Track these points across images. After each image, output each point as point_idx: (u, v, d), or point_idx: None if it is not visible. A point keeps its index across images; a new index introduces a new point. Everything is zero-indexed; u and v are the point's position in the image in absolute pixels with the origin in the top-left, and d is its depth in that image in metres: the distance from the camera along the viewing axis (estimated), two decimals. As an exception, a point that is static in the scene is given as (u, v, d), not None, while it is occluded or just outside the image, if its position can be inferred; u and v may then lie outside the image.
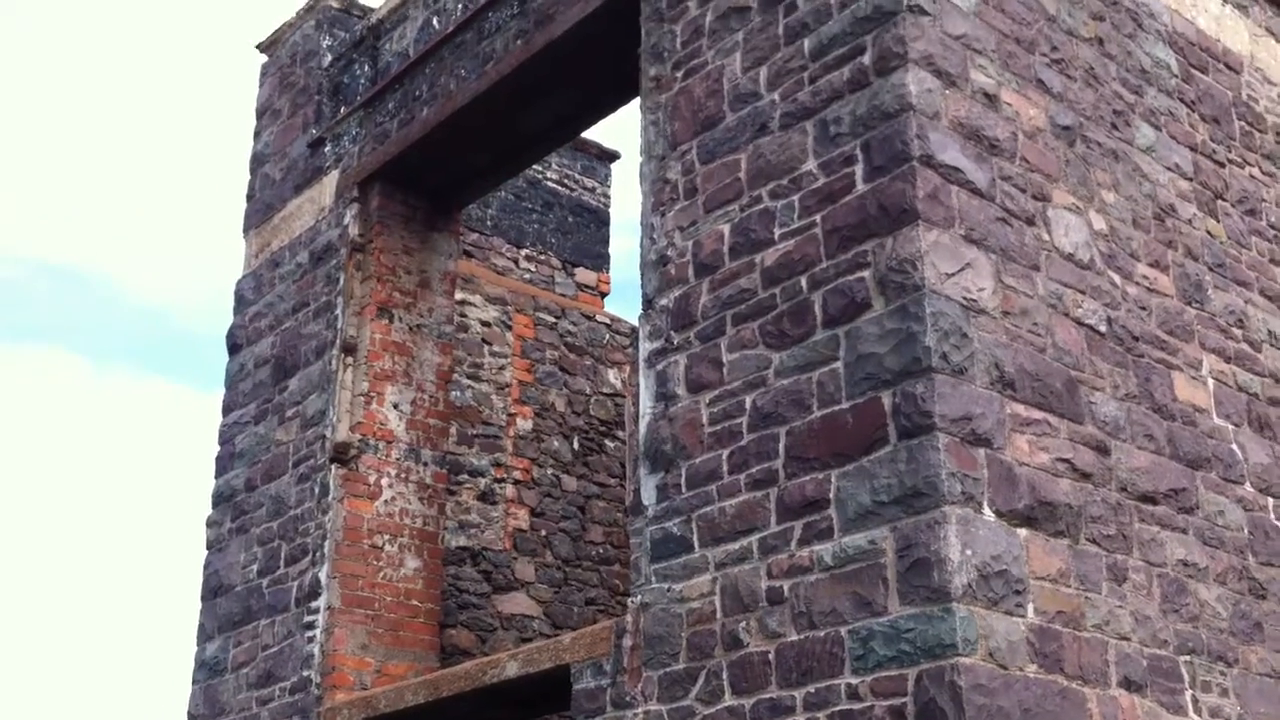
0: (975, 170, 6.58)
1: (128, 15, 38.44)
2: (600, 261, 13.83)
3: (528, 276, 13.02)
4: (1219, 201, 8.21)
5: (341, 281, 10.21)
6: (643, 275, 7.59)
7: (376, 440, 9.88)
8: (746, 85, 7.29)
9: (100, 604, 33.72)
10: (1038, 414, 6.41)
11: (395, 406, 10.05)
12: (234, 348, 11.30)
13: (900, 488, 5.95)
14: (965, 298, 6.25)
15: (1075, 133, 7.31)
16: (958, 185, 6.46)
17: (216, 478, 11.03)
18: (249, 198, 11.85)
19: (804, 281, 6.64)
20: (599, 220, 13.97)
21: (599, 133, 14.62)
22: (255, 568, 10.22)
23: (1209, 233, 8.02)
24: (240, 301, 11.43)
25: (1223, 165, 8.37)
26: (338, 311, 10.13)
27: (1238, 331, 7.91)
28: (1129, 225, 7.44)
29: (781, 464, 6.51)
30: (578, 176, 13.89)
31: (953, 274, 6.24)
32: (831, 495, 6.24)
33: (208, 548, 10.86)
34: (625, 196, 22.95)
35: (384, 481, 9.87)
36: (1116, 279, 7.20)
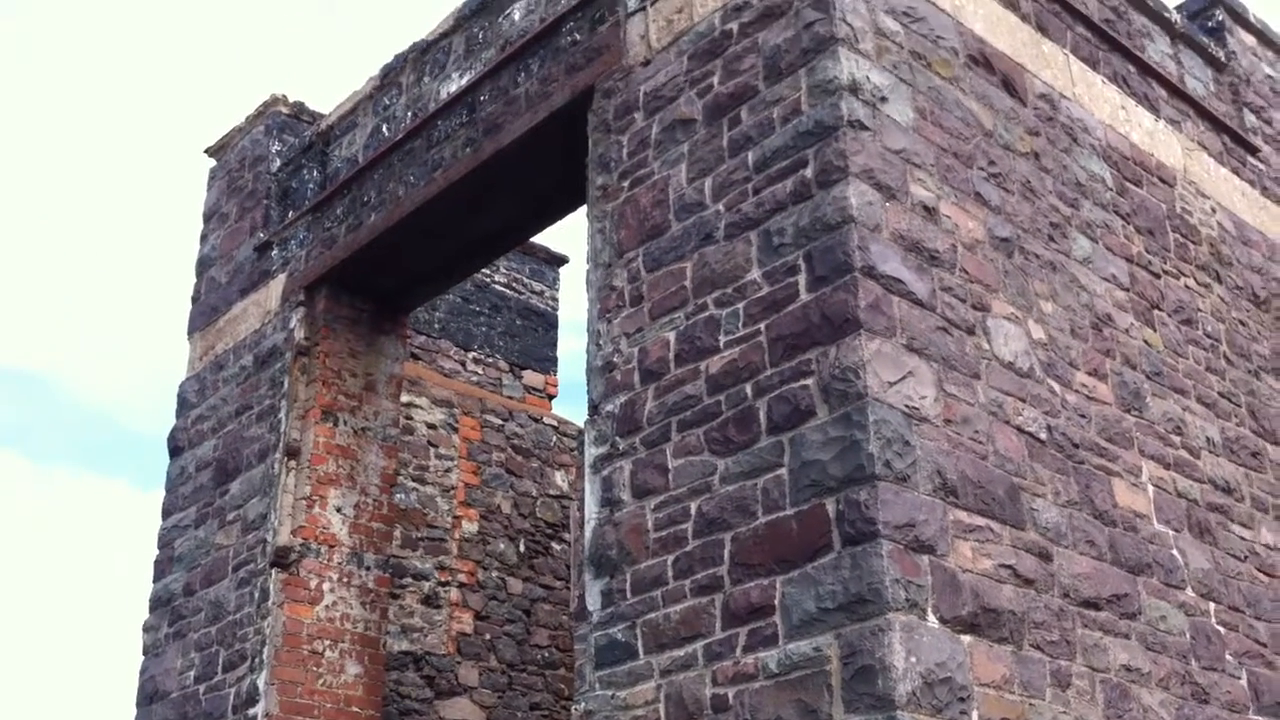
0: (916, 281, 6.70)
1: (74, 113, 38.50)
2: (548, 364, 13.88)
3: (475, 379, 13.03)
4: (1155, 311, 8.39)
5: (286, 385, 10.17)
6: (589, 381, 7.62)
7: (318, 544, 9.79)
8: (692, 195, 7.41)
9: (37, 707, 32.82)
10: (980, 520, 6.46)
11: (338, 510, 9.97)
12: (175, 450, 11.19)
13: (845, 594, 5.96)
14: (907, 406, 6.32)
15: (1014, 244, 7.47)
16: (899, 295, 6.57)
17: (155, 582, 10.86)
18: (194, 300, 11.82)
19: (749, 389, 6.69)
20: (547, 323, 14.04)
21: (548, 236, 14.75)
22: (192, 674, 10.03)
23: (1146, 342, 8.17)
24: (183, 404, 11.35)
25: (1158, 276, 8.56)
26: (281, 415, 10.08)
27: (1176, 438, 8.03)
28: (1067, 334, 7.57)
29: (727, 570, 6.51)
30: (526, 280, 13.98)
31: (895, 382, 6.32)
32: (777, 602, 6.23)
33: (144, 653, 10.66)
34: (574, 298, 23.09)
35: (325, 586, 9.76)
36: (1056, 387, 7.31)
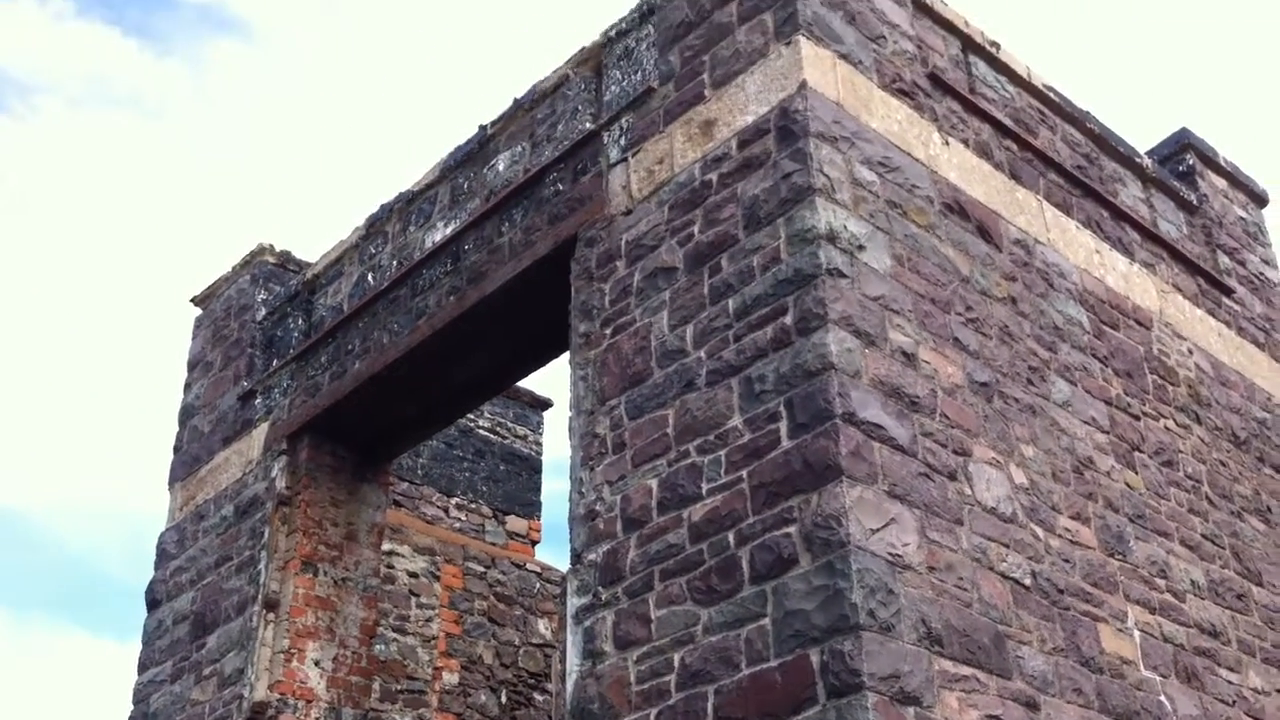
0: (896, 427, 6.72)
1: (64, 260, 38.80)
2: (532, 509, 13.82)
3: (458, 525, 12.94)
4: (1136, 453, 8.40)
5: (266, 535, 10.08)
6: (571, 530, 7.57)
7: (296, 699, 9.60)
8: (674, 342, 7.46)
9: None
10: (966, 670, 6.37)
11: (317, 664, 9.81)
12: (153, 603, 11.04)
13: (831, 749, 5.85)
14: (890, 554, 6.28)
15: (993, 389, 7.51)
16: (880, 442, 6.58)
17: (130, 738, 10.62)
18: (176, 450, 11.78)
19: (731, 537, 6.65)
20: (531, 468, 14.01)
21: (532, 380, 14.79)
22: (167, 837, 9.75)
23: (1128, 484, 8.17)
24: (162, 555, 11.23)
25: (1138, 418, 8.59)
26: (261, 566, 9.96)
27: (1161, 582, 7.98)
28: (1049, 478, 7.57)
29: (711, 724, 6.39)
30: (510, 424, 13.98)
31: (877, 530, 6.29)
32: (762, 756, 6.11)
33: (117, 816, 10.38)
34: (559, 440, 23.04)
35: (303, 742, 9.54)
36: (1039, 532, 7.28)
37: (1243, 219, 11.21)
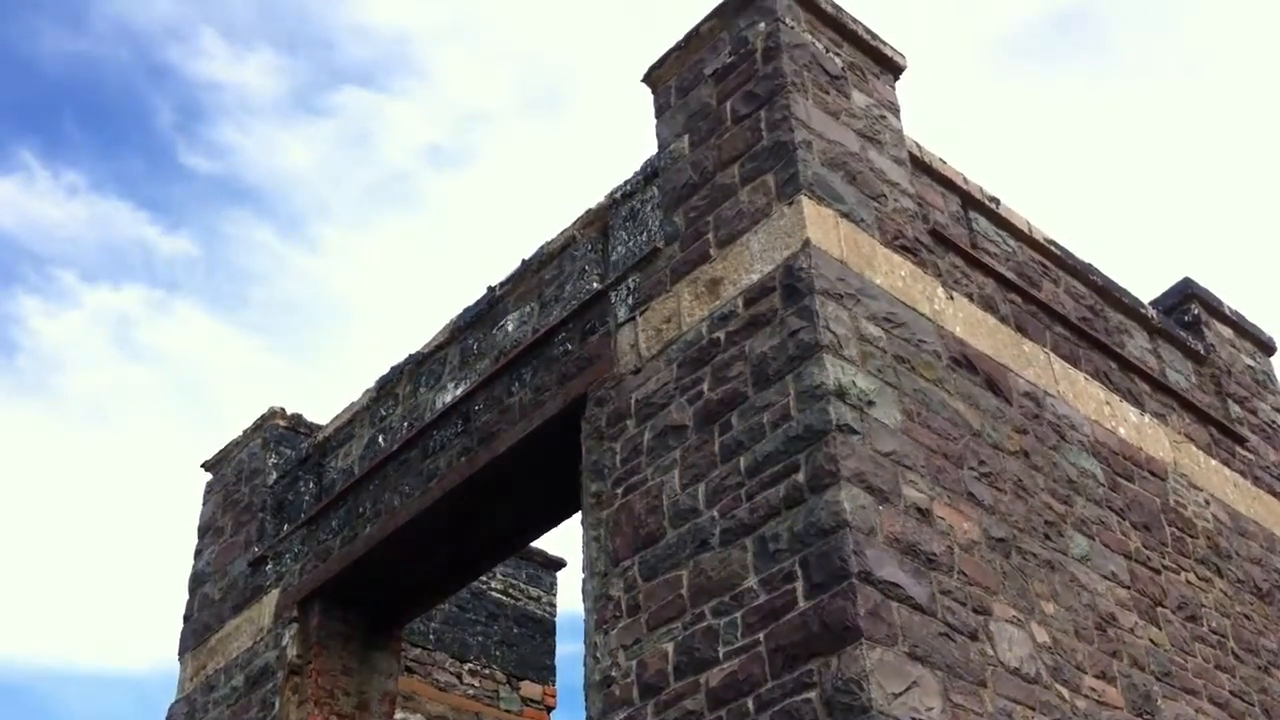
0: (914, 585, 6.63)
1: (68, 421, 38.90)
2: (546, 673, 13.58)
3: (471, 692, 12.72)
4: (1159, 609, 8.27)
5: (277, 706, 9.90)
6: (586, 697, 7.43)
7: None
8: (686, 501, 7.41)
9: None
10: (996, 838, 6.18)
11: (333, 836, 9.56)
12: (163, 776, 10.81)
13: None
14: (914, 718, 6.14)
15: (1010, 544, 7.43)
16: (898, 601, 6.48)
17: None
18: (186, 619, 11.65)
19: (751, 704, 6.52)
20: (544, 630, 13.82)
21: (545, 540, 14.70)
22: None
23: (1152, 641, 8.02)
24: (172, 728, 11.03)
25: (1158, 572, 8.48)
26: (272, 737, 9.78)
27: (1192, 740, 7.79)
28: (1072, 636, 7.44)
29: None
30: (523, 585, 13.84)
31: (900, 694, 6.16)
32: None
33: None
34: (573, 599, 22.77)
35: None
36: (1065, 692, 7.13)
37: (1251, 367, 11.22)
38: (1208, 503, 9.41)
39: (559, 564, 14.31)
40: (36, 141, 39.72)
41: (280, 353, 40.49)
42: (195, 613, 11.57)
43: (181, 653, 11.49)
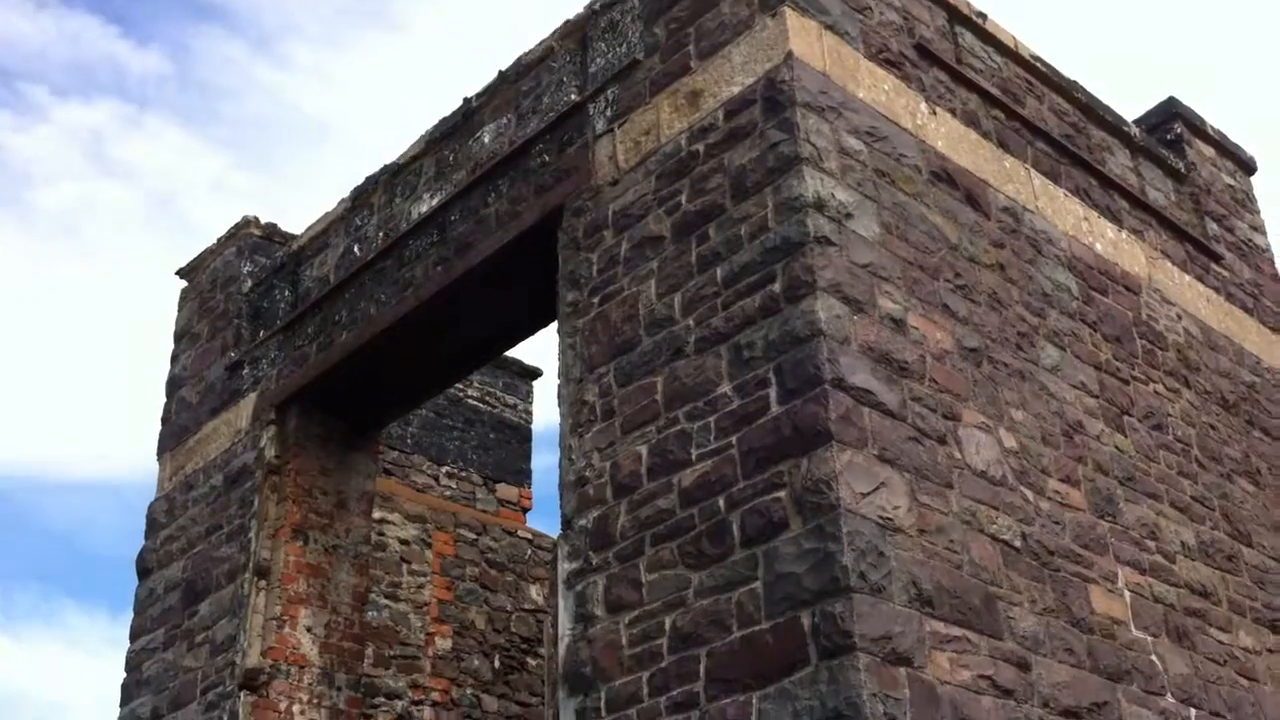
0: (886, 391, 6.73)
1: (43, 233, 38.60)
2: (522, 477, 13.83)
3: (448, 493, 12.95)
4: (1125, 417, 8.44)
5: (256, 504, 10.08)
6: (561, 496, 7.59)
7: (288, 665, 9.62)
8: (662, 311, 7.46)
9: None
10: (957, 631, 6.41)
11: (309, 630, 9.83)
12: (144, 572, 11.05)
13: (822, 710, 5.89)
14: (881, 516, 6.31)
15: (982, 354, 7.53)
16: (869, 407, 6.60)
17: (122, 706, 10.65)
18: (164, 421, 11.76)
19: (721, 502, 6.68)
20: (520, 436, 14.02)
21: (521, 349, 14.81)
22: (160, 804, 9.79)
23: (1117, 448, 8.21)
24: (152, 525, 11.24)
25: (1127, 382, 8.63)
26: (251, 534, 9.97)
27: (1151, 543, 8.03)
28: (1039, 442, 7.60)
29: (703, 686, 6.43)
30: (499, 394, 13.98)
31: (868, 493, 6.32)
32: (753, 717, 6.15)
33: (111, 783, 10.41)
34: (549, 410, 23.01)
35: (295, 708, 9.58)
36: (1029, 495, 7.32)
37: (1231, 186, 11.23)
38: (1180, 317, 9.53)
39: (535, 373, 14.45)
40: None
41: (252, 169, 40.03)
42: (173, 415, 11.68)
43: (160, 453, 11.63)
